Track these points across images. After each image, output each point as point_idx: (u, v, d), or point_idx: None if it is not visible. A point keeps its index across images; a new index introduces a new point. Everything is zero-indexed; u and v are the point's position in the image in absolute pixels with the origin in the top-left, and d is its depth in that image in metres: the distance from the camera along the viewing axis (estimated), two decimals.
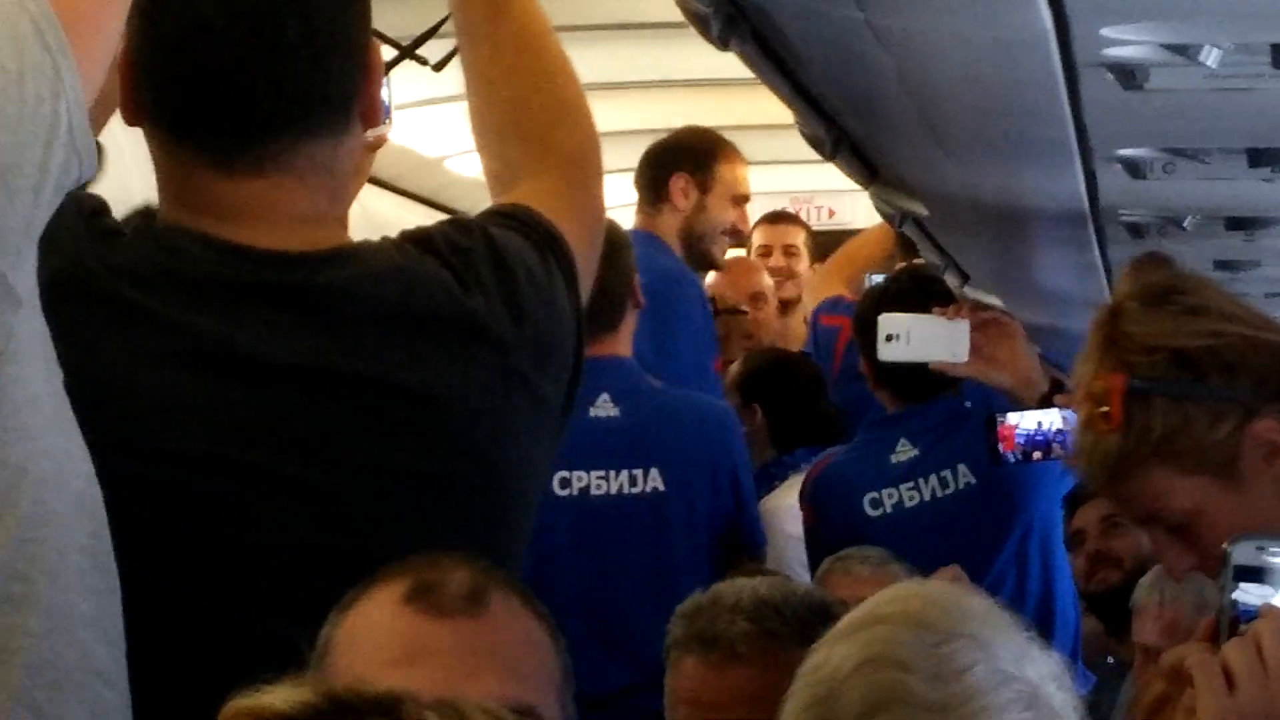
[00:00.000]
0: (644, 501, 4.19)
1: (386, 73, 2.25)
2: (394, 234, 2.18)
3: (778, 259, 6.43)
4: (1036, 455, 4.16)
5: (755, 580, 2.67)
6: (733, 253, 5.81)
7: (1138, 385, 2.26)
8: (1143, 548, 4.02)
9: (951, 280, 4.30)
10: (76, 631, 1.76)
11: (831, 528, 4.47)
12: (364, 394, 2.03)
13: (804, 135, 3.07)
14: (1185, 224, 3.16)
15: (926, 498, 4.46)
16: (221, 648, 1.98)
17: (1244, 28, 1.92)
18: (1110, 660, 4.37)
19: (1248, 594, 1.66)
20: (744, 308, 5.96)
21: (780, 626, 2.45)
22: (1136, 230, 3.27)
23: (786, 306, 6.34)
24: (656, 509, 4.19)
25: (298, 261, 2.06)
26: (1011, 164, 2.76)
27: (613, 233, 3.41)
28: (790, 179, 7.55)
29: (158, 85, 2.07)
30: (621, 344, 4.25)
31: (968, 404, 4.45)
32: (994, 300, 4.34)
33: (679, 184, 4.99)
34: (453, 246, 2.12)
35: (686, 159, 5.04)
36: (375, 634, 1.75)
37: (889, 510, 4.47)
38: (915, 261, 4.91)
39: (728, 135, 5.47)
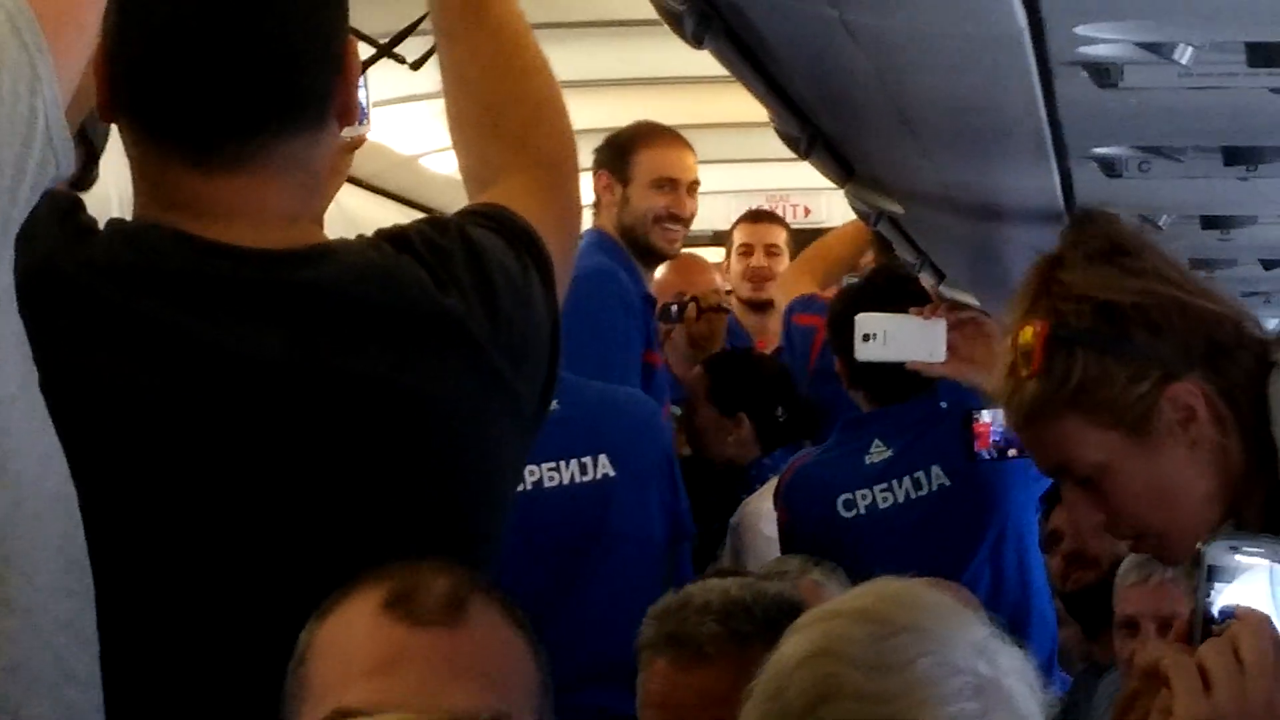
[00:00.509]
0: (596, 488, 4.19)
1: (364, 71, 2.25)
2: (369, 232, 2.18)
3: (759, 258, 6.42)
4: (1011, 452, 4.17)
5: (727, 581, 2.67)
6: (713, 254, 5.80)
7: (1061, 333, 2.28)
8: (1119, 549, 4.02)
9: (927, 279, 4.30)
10: (49, 633, 1.75)
11: (805, 528, 4.47)
12: (339, 392, 2.03)
13: (779, 133, 3.07)
14: (1161, 223, 3.17)
15: (900, 499, 4.47)
16: (196, 647, 1.98)
17: (1218, 26, 1.92)
18: (1083, 665, 4.36)
19: (1222, 594, 1.66)
20: (726, 306, 5.95)
21: (750, 627, 2.45)
22: None
23: (765, 306, 6.34)
24: (608, 495, 4.20)
25: (274, 259, 2.06)
26: (987, 162, 2.76)
27: None
28: (766, 177, 7.56)
29: (133, 82, 2.06)
30: None
31: (943, 404, 4.46)
32: (969, 299, 4.34)
33: (601, 182, 5.01)
34: (430, 245, 2.12)
35: (604, 157, 5.04)
36: (352, 642, 1.74)
37: (863, 511, 4.47)
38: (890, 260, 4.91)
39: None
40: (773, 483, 4.81)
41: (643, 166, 4.97)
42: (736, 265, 6.45)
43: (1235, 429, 2.27)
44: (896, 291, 4.36)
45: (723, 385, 5.26)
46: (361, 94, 2.20)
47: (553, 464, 4.15)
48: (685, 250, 5.64)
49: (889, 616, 1.84)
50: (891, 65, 2.20)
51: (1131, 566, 3.85)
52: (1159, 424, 2.26)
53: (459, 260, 2.12)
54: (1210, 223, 3.17)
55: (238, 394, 2.01)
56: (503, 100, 2.32)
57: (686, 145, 5.09)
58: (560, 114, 2.36)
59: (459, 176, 2.40)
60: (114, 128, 2.19)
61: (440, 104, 2.40)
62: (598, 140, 5.12)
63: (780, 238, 6.49)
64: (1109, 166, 2.58)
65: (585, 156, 4.93)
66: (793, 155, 3.20)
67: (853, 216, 4.78)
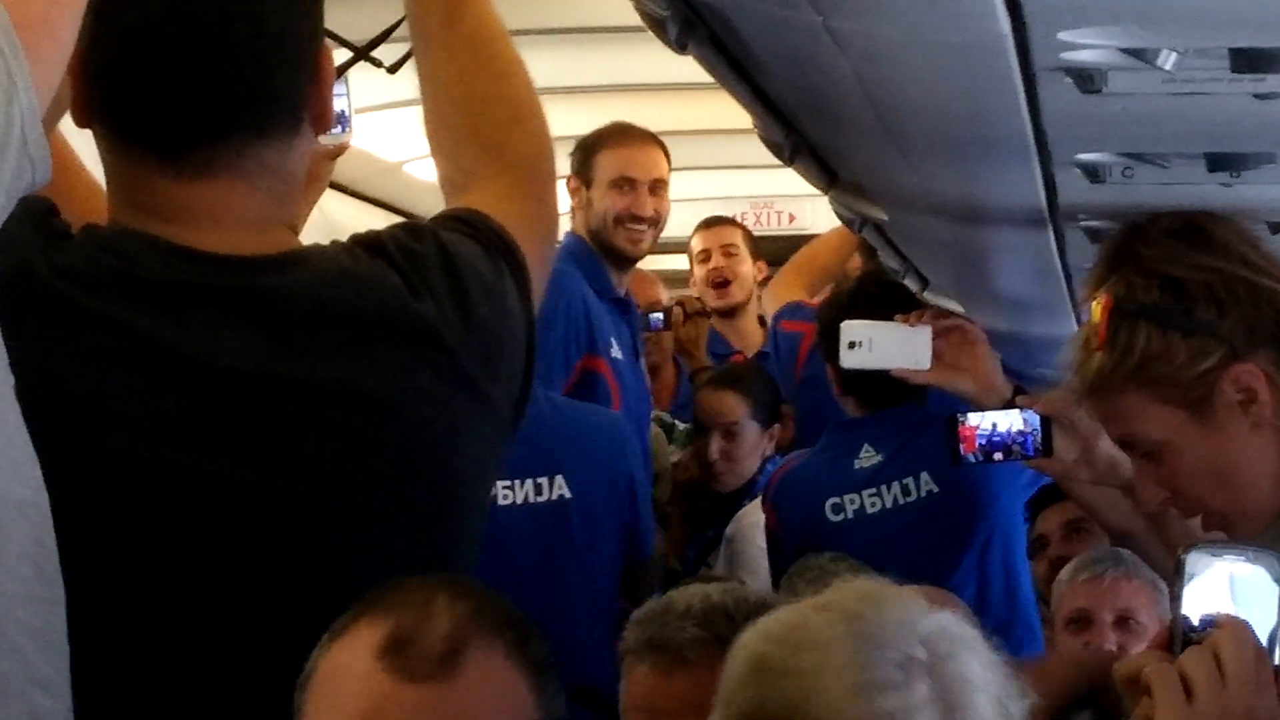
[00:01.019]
0: (552, 509, 4.17)
1: (341, 74, 2.24)
2: None
3: (717, 260, 6.41)
4: (997, 456, 4.16)
5: (709, 586, 2.67)
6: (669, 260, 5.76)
7: (1126, 306, 2.27)
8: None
9: (911, 285, 4.30)
10: (17, 640, 1.74)
11: (792, 531, 4.47)
12: (311, 398, 2.02)
13: (763, 139, 3.06)
14: None
15: (888, 505, 4.46)
16: (166, 653, 1.97)
17: (1202, 32, 1.92)
18: None
19: (1202, 602, 1.65)
20: (708, 310, 5.94)
21: (730, 632, 2.45)
22: (1096, 235, 3.27)
23: (734, 312, 6.33)
24: (564, 516, 4.17)
25: (246, 264, 2.05)
26: (970, 169, 2.75)
27: None
28: (750, 184, 7.57)
29: (107, 87, 2.06)
30: None
31: (933, 409, 4.45)
32: (954, 306, 4.34)
33: (570, 186, 4.95)
34: (404, 251, 2.11)
35: (572, 161, 4.98)
36: (347, 685, 1.77)
37: (850, 516, 4.46)
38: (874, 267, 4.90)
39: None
40: None
41: (602, 167, 4.91)
42: (698, 272, 6.45)
43: None
44: (886, 297, 4.35)
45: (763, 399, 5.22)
46: (344, 101, 2.20)
47: (507, 483, 4.12)
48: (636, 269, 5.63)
49: (827, 602, 1.88)
50: (875, 71, 2.19)
51: (1081, 565, 3.88)
52: (1220, 403, 2.25)
53: (433, 266, 2.11)
54: None
55: (210, 400, 2.00)
56: (479, 104, 2.31)
57: (652, 144, 5.00)
58: (537, 118, 2.35)
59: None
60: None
61: None
62: None
63: (736, 237, 6.48)
64: (1093, 173, 2.57)
65: (569, 162, 4.92)
66: (777, 162, 3.19)
67: (838, 223, 4.77)
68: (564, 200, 4.95)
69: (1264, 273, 2.28)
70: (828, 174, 3.27)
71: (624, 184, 4.88)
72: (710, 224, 6.60)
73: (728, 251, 6.43)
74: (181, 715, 1.99)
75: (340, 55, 2.43)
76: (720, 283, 6.38)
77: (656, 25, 2.20)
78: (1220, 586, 1.65)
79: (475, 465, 2.14)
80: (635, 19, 2.27)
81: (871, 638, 1.85)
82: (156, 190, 2.06)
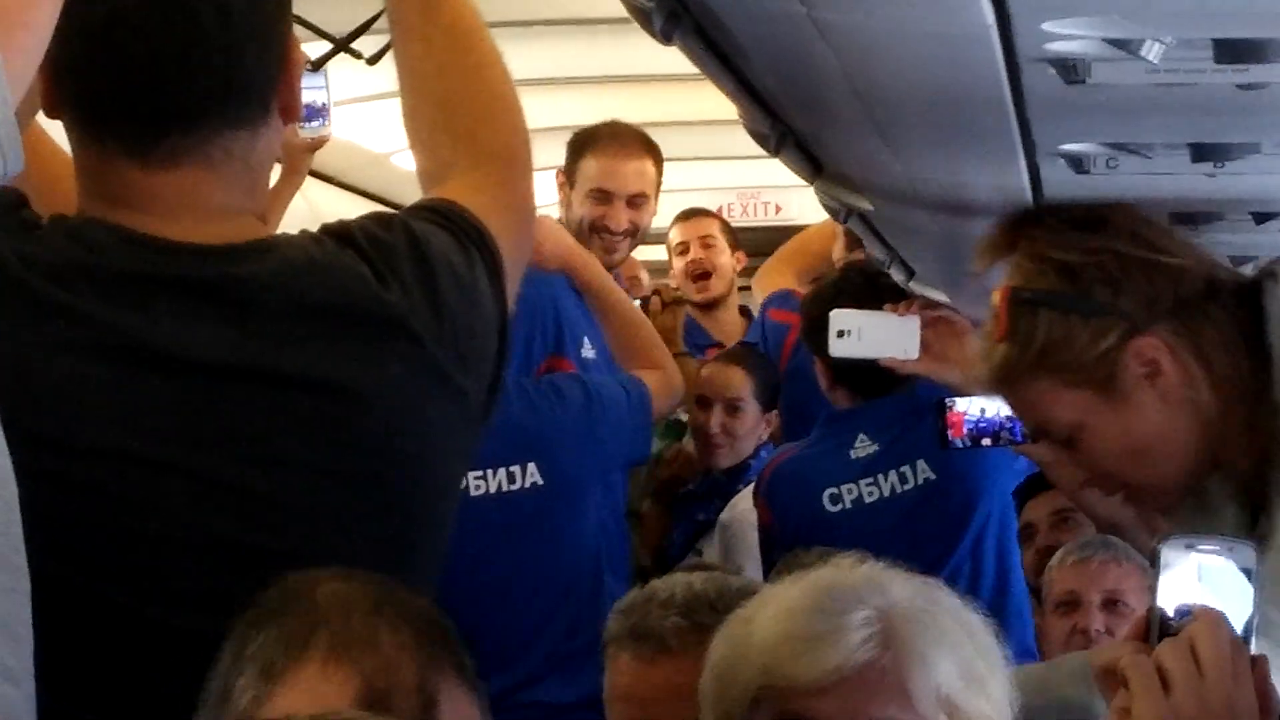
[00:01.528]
0: (525, 498, 4.16)
1: (320, 67, 2.24)
2: None
3: (696, 251, 6.41)
4: (985, 441, 4.17)
5: (691, 576, 2.67)
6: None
7: (1024, 295, 2.29)
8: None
9: (897, 276, 4.30)
10: None
11: (788, 524, 4.47)
12: (279, 388, 2.02)
13: (748, 130, 3.06)
14: None
15: (886, 493, 4.48)
16: (132, 643, 1.97)
17: (1186, 23, 1.92)
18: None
19: (1179, 592, 1.65)
20: (686, 299, 5.93)
21: (713, 621, 2.45)
22: None
23: (714, 304, 6.33)
24: (538, 504, 4.16)
25: (213, 254, 2.05)
26: (955, 159, 2.75)
27: None
28: (736, 175, 7.56)
29: (75, 77, 2.06)
30: None
31: (922, 398, 4.46)
32: (940, 296, 4.34)
33: (558, 180, 4.90)
34: (372, 240, 2.11)
35: (566, 156, 4.92)
36: None
37: (849, 505, 4.48)
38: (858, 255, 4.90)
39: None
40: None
41: (584, 174, 4.86)
42: (677, 264, 6.45)
43: (1207, 380, 2.27)
44: (872, 288, 4.35)
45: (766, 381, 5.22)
46: (323, 94, 2.20)
47: (479, 473, 4.10)
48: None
49: (806, 577, 1.96)
50: (860, 61, 2.19)
51: (1072, 548, 3.90)
52: (1126, 379, 2.27)
53: (402, 255, 2.11)
54: (1178, 219, 3.16)
55: (177, 391, 2.00)
56: (456, 96, 2.31)
57: (640, 153, 4.91)
58: (513, 111, 2.35)
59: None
60: None
61: None
62: (565, 139, 5.09)
63: (714, 229, 6.47)
64: (1077, 163, 2.57)
65: (554, 154, 4.91)
66: (763, 153, 3.19)
67: (824, 214, 4.77)
68: (552, 192, 4.94)
69: (1156, 249, 2.29)
70: (813, 164, 3.27)
71: (600, 195, 4.82)
72: (688, 215, 6.60)
73: (706, 243, 6.42)
74: (146, 704, 1.99)
75: (320, 47, 2.42)
76: (700, 275, 6.37)
77: (641, 16, 2.20)
78: (1195, 577, 1.65)
79: (445, 454, 2.14)
80: (620, 10, 2.27)
81: (828, 589, 1.89)
82: (124, 180, 2.06)
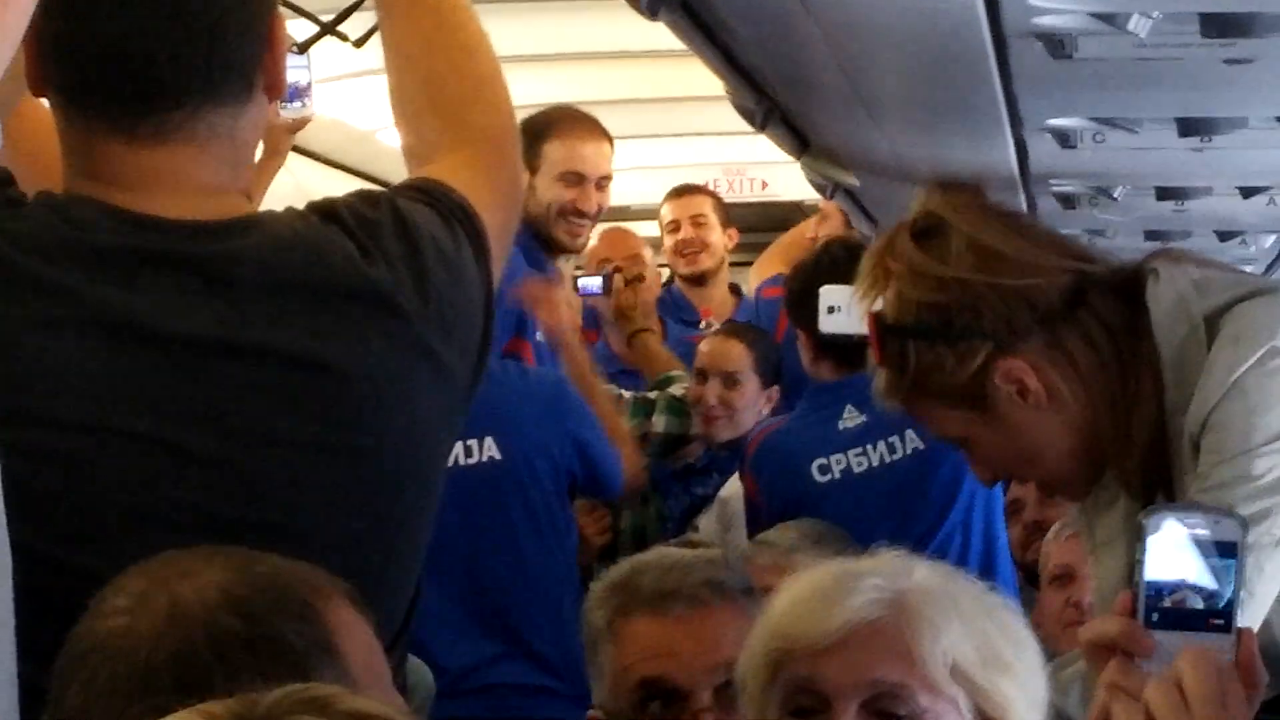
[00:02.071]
0: (482, 471, 4.16)
1: (306, 49, 2.23)
2: None
3: (687, 230, 6.38)
4: None
5: (679, 550, 2.66)
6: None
7: (890, 327, 2.34)
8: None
9: None
10: None
11: (775, 495, 4.46)
12: (263, 364, 2.02)
13: (735, 106, 3.06)
14: (1116, 194, 3.16)
15: (875, 463, 4.46)
16: None
17: None
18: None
19: (1165, 566, 1.65)
20: (645, 275, 5.90)
21: (725, 576, 2.47)
22: (1068, 200, 3.28)
23: (704, 278, 6.32)
24: (495, 478, 4.16)
25: (198, 230, 2.05)
26: (942, 134, 2.75)
27: None
28: (722, 151, 7.53)
29: (59, 54, 2.05)
30: None
31: None
32: None
33: None
34: (358, 217, 2.11)
35: (523, 141, 4.84)
36: None
37: (837, 476, 4.46)
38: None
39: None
40: None
41: (550, 158, 4.82)
42: (667, 241, 6.43)
43: (1080, 389, 2.31)
44: (853, 261, 4.35)
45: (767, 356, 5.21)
46: (305, 74, 2.19)
47: None
48: (617, 224, 5.58)
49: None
50: (846, 38, 2.19)
51: (1067, 523, 3.91)
52: (998, 398, 2.32)
53: (388, 232, 2.11)
54: (1165, 194, 3.17)
55: (162, 366, 2.00)
56: (442, 76, 2.31)
57: (601, 136, 4.89)
58: (500, 90, 2.34)
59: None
60: None
61: None
62: None
63: (706, 207, 6.44)
64: (1064, 138, 2.57)
65: None
66: (749, 128, 3.18)
67: (810, 190, 4.77)
68: None
69: (997, 272, 2.31)
70: (800, 140, 3.27)
71: (572, 178, 4.78)
72: (679, 193, 6.57)
73: (697, 221, 6.40)
74: None
75: (306, 29, 2.41)
76: (690, 253, 6.36)
77: None
78: (1182, 550, 1.66)
79: (430, 430, 2.13)
80: None
81: (851, 569, 1.91)
82: (109, 157, 2.06)
